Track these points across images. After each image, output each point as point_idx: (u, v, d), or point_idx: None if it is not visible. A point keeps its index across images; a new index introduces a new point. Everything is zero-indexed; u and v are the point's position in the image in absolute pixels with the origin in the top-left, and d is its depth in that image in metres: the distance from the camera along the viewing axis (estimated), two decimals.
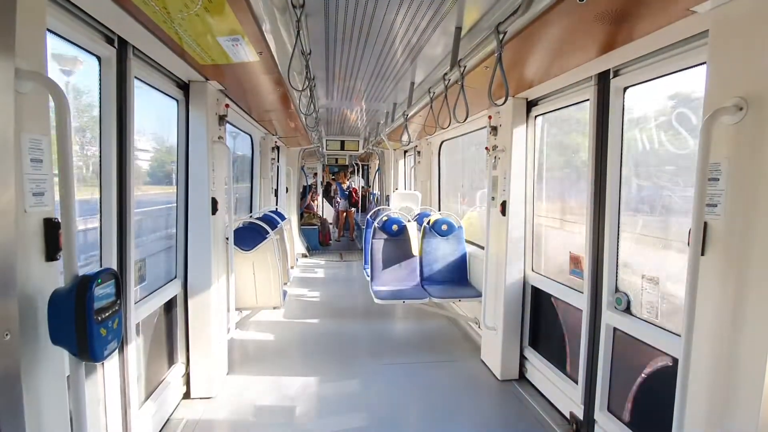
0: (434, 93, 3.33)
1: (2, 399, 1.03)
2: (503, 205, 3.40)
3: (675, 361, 2.00)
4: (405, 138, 4.67)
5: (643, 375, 2.25)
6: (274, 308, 4.02)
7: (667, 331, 2.12)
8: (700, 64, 1.87)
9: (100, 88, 2.03)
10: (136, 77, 2.23)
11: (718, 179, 1.53)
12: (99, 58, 2.00)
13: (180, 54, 2.36)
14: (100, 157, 2.06)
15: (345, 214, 11.28)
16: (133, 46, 2.14)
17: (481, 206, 5.01)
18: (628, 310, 2.40)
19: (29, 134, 1.21)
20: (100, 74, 2.02)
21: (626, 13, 1.79)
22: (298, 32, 2.13)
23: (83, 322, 1.23)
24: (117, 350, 1.47)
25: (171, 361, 2.96)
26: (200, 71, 2.74)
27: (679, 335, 1.84)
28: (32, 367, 1.21)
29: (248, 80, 3.03)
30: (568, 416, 2.83)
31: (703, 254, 1.56)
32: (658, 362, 2.16)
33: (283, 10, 2.21)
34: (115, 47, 2.02)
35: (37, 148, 1.24)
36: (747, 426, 1.40)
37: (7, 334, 1.05)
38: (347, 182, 11.70)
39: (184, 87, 2.91)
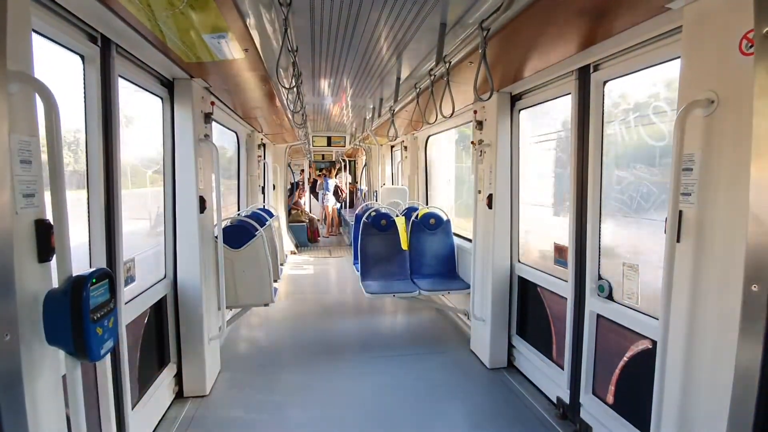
0: (420, 88, 3.36)
1: (5, 399, 1.03)
2: (490, 198, 3.47)
3: (654, 343, 2.09)
4: (392, 133, 4.70)
5: (625, 358, 2.35)
6: (265, 305, 4.02)
7: (647, 315, 2.21)
8: (675, 58, 1.95)
9: (84, 87, 2.01)
10: (120, 75, 2.21)
11: (692, 169, 1.60)
12: (82, 57, 1.98)
13: (164, 52, 2.34)
14: (87, 157, 2.04)
15: (331, 210, 11.26)
16: (117, 44, 2.12)
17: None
18: (610, 296, 2.49)
19: (18, 135, 1.21)
20: (84, 73, 2.00)
21: (605, 10, 1.85)
22: (286, 30, 2.14)
23: (79, 322, 1.23)
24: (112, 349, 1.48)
25: (163, 360, 2.96)
26: (185, 69, 2.71)
27: (658, 319, 1.93)
28: (30, 368, 1.22)
29: (234, 77, 3.02)
30: (555, 401, 2.92)
31: (678, 241, 1.64)
32: (639, 346, 2.25)
33: (269, 7, 2.21)
34: (98, 46, 1.99)
35: (26, 150, 1.23)
36: (720, 402, 1.48)
37: (7, 335, 1.05)
38: (335, 178, 11.66)
39: (169, 85, 2.88)
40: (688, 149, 1.61)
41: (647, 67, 2.17)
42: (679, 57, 1.74)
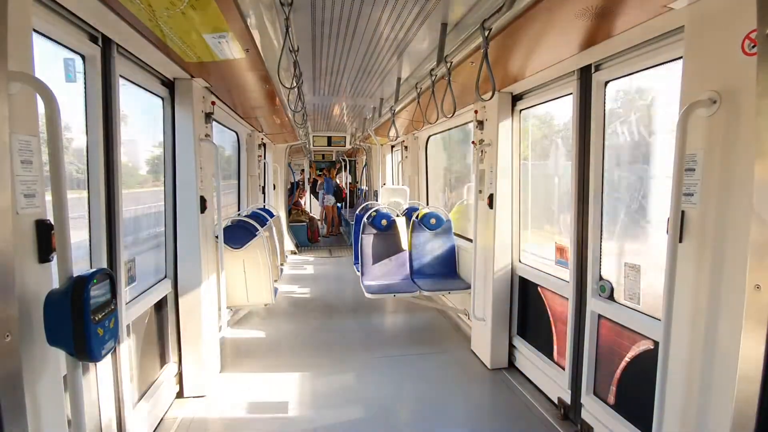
0: (421, 88, 3.36)
1: (5, 400, 1.03)
2: (490, 198, 3.46)
3: (656, 344, 2.09)
4: (392, 133, 4.70)
5: (626, 359, 2.34)
6: (266, 305, 4.02)
7: (649, 315, 2.20)
8: (677, 58, 1.94)
9: (85, 88, 2.00)
10: (120, 75, 2.20)
11: (695, 169, 1.60)
12: (83, 57, 1.97)
13: (165, 51, 2.34)
14: (87, 157, 2.03)
15: (331, 210, 11.27)
16: (117, 44, 2.11)
17: (468, 199, 5.09)
18: (611, 297, 2.48)
19: (18, 135, 1.20)
20: (84, 73, 1.99)
21: (606, 10, 1.85)
22: (287, 29, 2.13)
23: (80, 323, 1.23)
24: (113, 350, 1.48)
25: (163, 360, 2.95)
26: (186, 69, 2.71)
27: (660, 319, 1.92)
28: (30, 368, 1.21)
29: (234, 77, 3.01)
30: (556, 401, 2.92)
31: (681, 241, 1.63)
32: (641, 346, 2.25)
33: (270, 7, 2.21)
34: (99, 45, 1.99)
35: (26, 150, 1.23)
36: (722, 403, 1.48)
37: (7, 336, 1.05)
38: (335, 178, 11.64)
39: (170, 85, 2.88)
40: (691, 149, 1.60)
41: (649, 68, 2.16)
42: (681, 57, 1.73)
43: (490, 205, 3.47)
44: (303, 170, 13.41)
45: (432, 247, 4.68)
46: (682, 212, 1.63)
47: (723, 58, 1.50)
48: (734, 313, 1.44)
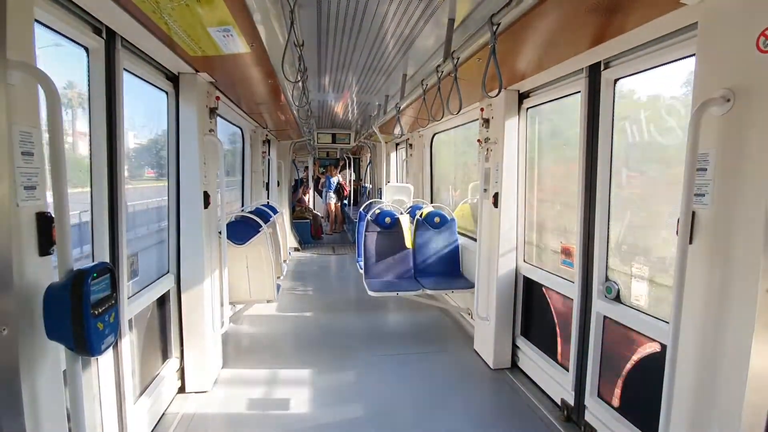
0: (427, 85, 3.33)
1: (1, 394, 1.02)
2: (495, 197, 3.43)
3: (663, 347, 2.05)
4: (397, 130, 4.67)
5: (632, 361, 2.31)
6: (268, 302, 4.02)
7: (656, 318, 2.17)
8: (689, 56, 1.90)
9: (88, 80, 1.99)
10: (125, 69, 2.19)
11: (706, 169, 1.56)
12: (87, 50, 1.96)
13: (169, 45, 2.33)
14: (90, 150, 2.02)
15: (334, 207, 11.27)
16: (122, 37, 2.10)
17: (473, 198, 5.06)
18: (617, 298, 2.45)
19: (19, 127, 1.19)
20: (88, 66, 1.98)
21: (618, 5, 1.81)
22: (292, 23, 2.11)
23: (80, 317, 1.22)
24: (113, 344, 1.46)
25: (165, 355, 2.95)
26: (190, 63, 2.70)
27: (667, 322, 1.89)
28: (29, 362, 1.20)
29: (239, 72, 3.00)
30: (559, 403, 2.89)
31: (691, 242, 1.60)
32: (647, 349, 2.21)
33: (275, 1, 2.19)
34: (103, 38, 1.98)
35: (27, 141, 1.21)
36: (732, 409, 1.45)
37: (4, 330, 1.04)
38: (336, 176, 11.62)
39: (174, 79, 2.86)
40: (703, 149, 1.56)
41: (660, 65, 2.12)
42: (694, 55, 1.69)
43: (495, 204, 3.43)
44: (306, 167, 13.40)
45: (436, 245, 4.66)
46: (693, 213, 1.60)
47: (737, 55, 1.46)
48: (745, 317, 1.41)
